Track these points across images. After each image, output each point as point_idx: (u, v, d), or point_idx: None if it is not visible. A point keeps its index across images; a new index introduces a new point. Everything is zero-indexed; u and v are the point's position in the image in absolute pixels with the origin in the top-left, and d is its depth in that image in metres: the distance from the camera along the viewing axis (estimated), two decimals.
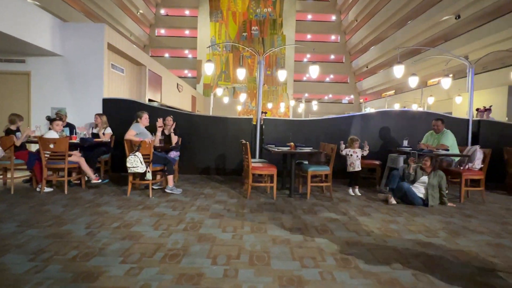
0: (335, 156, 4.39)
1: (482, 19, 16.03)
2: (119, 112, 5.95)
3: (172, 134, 5.11)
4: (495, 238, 2.93)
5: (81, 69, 6.26)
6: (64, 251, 2.33)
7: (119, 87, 8.38)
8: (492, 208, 4.12)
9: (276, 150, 4.39)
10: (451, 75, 8.91)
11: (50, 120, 4.55)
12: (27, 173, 4.80)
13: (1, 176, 4.59)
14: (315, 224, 3.19)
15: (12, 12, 5.07)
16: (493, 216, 3.72)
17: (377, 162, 5.41)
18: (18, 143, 4.24)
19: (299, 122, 6.32)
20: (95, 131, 5.39)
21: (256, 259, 2.31)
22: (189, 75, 26.90)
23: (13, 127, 4.53)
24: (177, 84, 14.78)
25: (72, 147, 4.54)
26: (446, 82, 7.14)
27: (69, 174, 4.36)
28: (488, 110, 8.65)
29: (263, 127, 5.96)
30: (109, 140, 5.30)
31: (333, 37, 30.05)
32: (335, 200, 4.29)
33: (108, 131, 5.36)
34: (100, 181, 4.54)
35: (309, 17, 28.82)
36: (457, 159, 4.89)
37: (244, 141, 4.44)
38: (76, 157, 4.37)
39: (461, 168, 4.69)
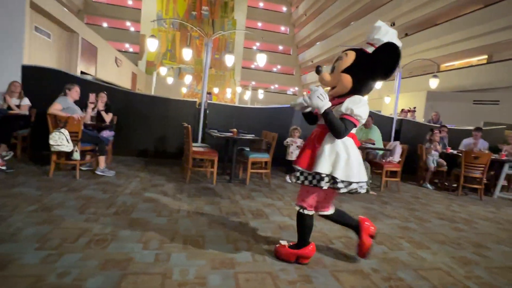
0: (275, 145, 4.54)
1: (412, 28, 17.90)
2: (43, 83, 5.23)
3: (103, 112, 4.70)
4: (404, 222, 3.39)
5: None
6: None
7: (44, 54, 7.37)
8: (404, 196, 4.73)
9: (219, 135, 4.37)
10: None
11: None
12: None
13: None
14: (252, 209, 3.29)
15: None
16: (404, 203, 4.28)
17: None
18: None
19: (243, 109, 6.36)
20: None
21: (191, 243, 2.30)
22: (131, 49, 24.89)
23: None
24: (116, 58, 13.59)
25: None
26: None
27: None
28: (413, 111, 9.81)
29: (207, 111, 5.86)
30: (28, 113, 4.65)
31: (282, 28, 30.56)
32: (272, 186, 4.47)
33: (26, 102, 4.67)
34: (4, 168, 3.76)
35: (261, 5, 28.78)
36: (381, 152, 5.47)
37: (186, 124, 4.32)
38: None
39: (383, 160, 5.27)
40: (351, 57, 1.94)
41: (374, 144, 5.29)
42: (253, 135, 4.67)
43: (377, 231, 2.93)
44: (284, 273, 2.00)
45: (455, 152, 5.80)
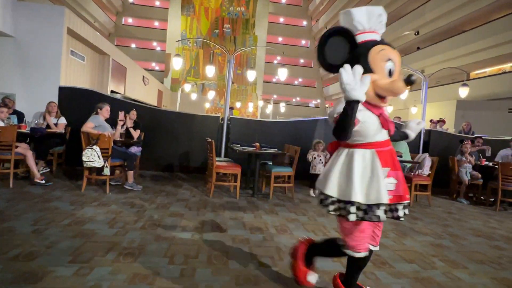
0: (298, 159, 4.51)
1: (438, 37, 17.41)
2: (77, 103, 5.58)
3: (132, 129, 4.91)
4: (437, 239, 3.20)
5: (36, 53, 5.79)
6: (5, 249, 2.15)
7: (78, 76, 7.87)
8: (436, 211, 4.49)
9: (242, 149, 4.41)
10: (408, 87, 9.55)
11: None
12: None
13: None
14: (276, 224, 3.25)
15: None
16: (436, 218, 4.06)
17: None
18: None
19: (265, 123, 6.40)
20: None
21: (215, 258, 2.30)
22: (157, 68, 25.99)
23: None
24: (143, 76, 14.22)
25: (21, 137, 4.17)
26: (403, 93, 7.64)
27: (16, 166, 4.01)
28: (442, 121, 9.39)
29: (230, 126, 5.95)
30: (63, 131, 4.96)
31: (303, 42, 30.76)
32: (296, 201, 4.41)
33: (62, 121, 4.99)
34: (43, 182, 4.00)
35: (281, 20, 29.24)
36: (408, 165, 5.26)
37: (209, 139, 4.40)
38: (23, 149, 3.99)
39: (412, 174, 5.05)
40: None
41: (401, 156, 5.10)
42: (275, 149, 4.67)
43: (412, 249, 2.80)
44: None
45: (490, 164, 5.47)
